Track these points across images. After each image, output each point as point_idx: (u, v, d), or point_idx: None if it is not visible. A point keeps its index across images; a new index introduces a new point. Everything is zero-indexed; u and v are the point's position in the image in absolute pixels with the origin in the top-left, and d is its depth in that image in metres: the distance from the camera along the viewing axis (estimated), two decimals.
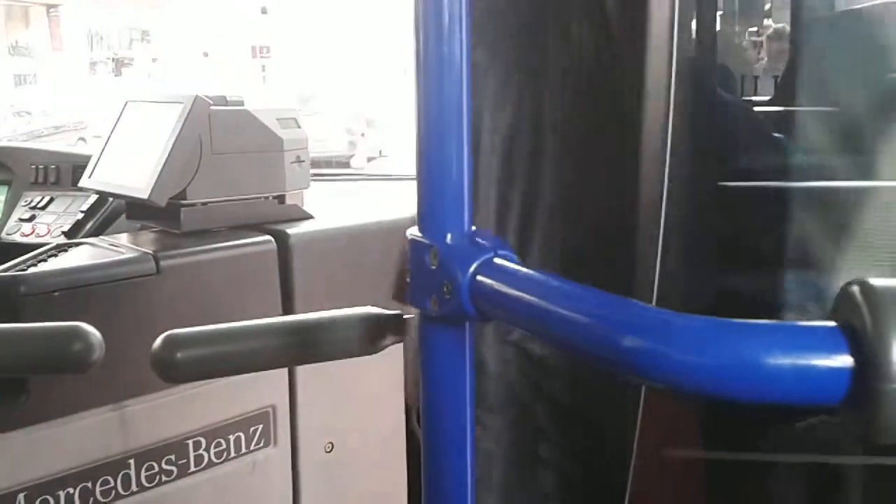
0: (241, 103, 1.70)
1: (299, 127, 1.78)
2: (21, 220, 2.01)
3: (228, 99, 1.67)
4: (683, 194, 0.54)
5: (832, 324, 0.36)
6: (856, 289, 0.36)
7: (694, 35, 0.56)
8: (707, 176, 0.58)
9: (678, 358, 0.37)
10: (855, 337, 0.35)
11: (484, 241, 0.55)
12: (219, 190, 1.63)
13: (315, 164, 1.92)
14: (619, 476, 0.57)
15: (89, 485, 1.44)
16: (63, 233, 1.85)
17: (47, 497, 1.40)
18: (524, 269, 0.51)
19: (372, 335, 0.86)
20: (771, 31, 0.94)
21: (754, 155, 0.63)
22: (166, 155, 1.54)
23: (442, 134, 0.55)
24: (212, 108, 1.61)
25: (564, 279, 0.47)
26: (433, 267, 0.55)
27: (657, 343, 0.38)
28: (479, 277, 0.52)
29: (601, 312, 0.42)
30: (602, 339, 0.40)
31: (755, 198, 0.62)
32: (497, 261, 0.53)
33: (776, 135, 0.65)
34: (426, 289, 0.56)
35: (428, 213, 0.57)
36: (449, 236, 0.56)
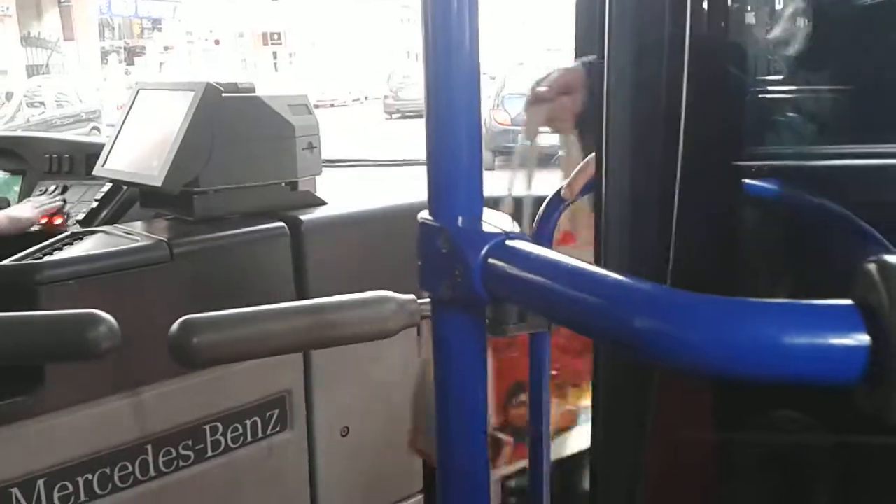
0: (252, 90, 1.70)
1: (311, 113, 1.78)
2: None
3: (239, 86, 1.68)
4: (698, 173, 0.53)
5: (849, 302, 0.36)
6: (873, 267, 0.36)
7: (707, 11, 0.55)
8: (722, 155, 0.57)
9: (693, 338, 0.37)
10: (872, 315, 0.35)
11: (495, 224, 0.55)
12: (231, 177, 1.63)
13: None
14: (634, 459, 0.57)
15: (107, 470, 1.46)
16: (78, 221, 1.86)
17: (66, 483, 1.41)
18: (535, 252, 0.51)
19: (386, 319, 0.86)
20: (786, 8, 0.93)
21: (769, 134, 0.62)
22: (178, 142, 1.55)
23: (451, 117, 0.55)
24: (223, 94, 1.61)
25: (576, 261, 0.47)
26: (444, 251, 0.55)
27: (671, 324, 0.38)
28: (490, 260, 0.52)
29: (614, 293, 0.41)
30: (615, 321, 0.40)
31: (770, 178, 0.62)
32: (508, 243, 0.52)
33: (791, 114, 0.65)
34: (438, 273, 0.56)
35: (438, 196, 0.57)
36: (460, 219, 0.56)
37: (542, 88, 1.13)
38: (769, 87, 0.67)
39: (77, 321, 0.97)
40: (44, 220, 1.88)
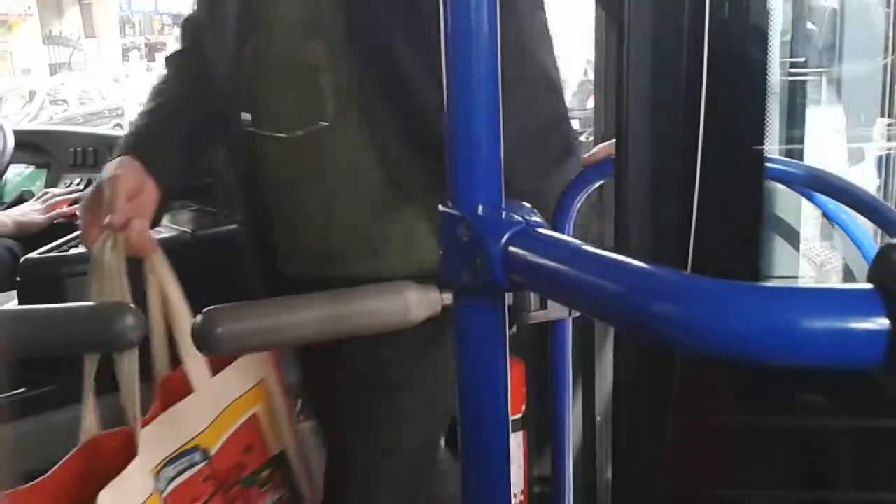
0: None
1: None
2: None
3: None
4: (718, 157, 0.53)
5: (869, 286, 0.36)
6: (893, 251, 0.36)
7: None
8: (743, 139, 0.57)
9: (713, 324, 0.37)
10: (892, 299, 0.35)
11: (515, 212, 0.55)
12: None
13: None
14: (656, 445, 0.57)
15: None
16: None
17: None
18: (557, 239, 0.51)
19: (407, 308, 0.87)
20: None
21: (787, 117, 0.62)
22: None
23: (471, 103, 0.55)
24: None
25: (598, 248, 0.47)
26: (465, 239, 0.56)
27: (691, 309, 0.38)
28: (511, 248, 0.52)
29: (635, 280, 0.41)
30: (636, 307, 0.40)
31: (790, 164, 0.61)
32: (529, 231, 0.52)
33: (810, 96, 0.64)
34: (459, 261, 0.56)
35: (458, 184, 0.57)
36: (480, 208, 0.56)
37: None
38: (791, 70, 0.67)
39: (103, 313, 0.98)
40: (69, 214, 1.90)
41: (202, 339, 0.86)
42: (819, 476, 0.59)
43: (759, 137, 0.59)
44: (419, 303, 0.87)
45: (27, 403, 1.37)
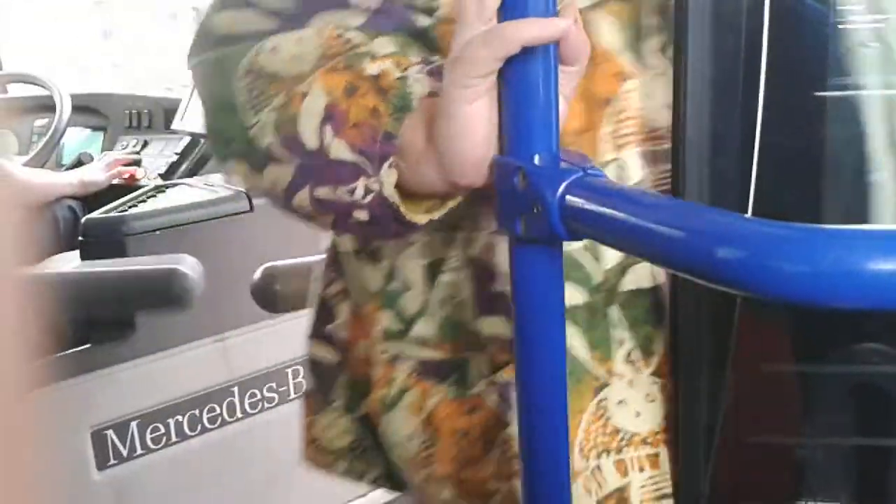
0: None
1: None
2: None
3: None
4: (780, 104, 0.52)
5: None
6: None
7: None
8: (804, 85, 0.56)
9: (778, 267, 0.37)
10: None
11: (572, 161, 0.55)
12: None
13: None
14: (716, 393, 0.57)
15: (197, 412, 1.53)
16: (159, 174, 1.92)
17: (158, 424, 1.49)
18: (614, 186, 0.51)
19: None
20: None
21: (849, 65, 0.60)
22: None
23: (528, 52, 0.54)
24: None
25: (656, 195, 0.47)
26: (521, 189, 0.56)
27: (755, 253, 0.38)
28: (568, 197, 0.52)
29: (697, 225, 0.41)
30: (699, 252, 0.40)
31: (852, 108, 0.60)
32: (587, 179, 0.52)
33: (871, 44, 0.62)
34: (515, 211, 0.56)
35: (514, 134, 0.57)
36: (537, 157, 0.56)
37: None
38: (853, 16, 0.65)
39: (163, 275, 1.01)
40: (126, 176, 1.95)
41: (261, 296, 0.88)
42: (880, 424, 0.59)
43: (821, 84, 0.58)
44: None
45: (92, 358, 1.42)
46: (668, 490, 0.63)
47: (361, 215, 0.63)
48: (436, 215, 0.63)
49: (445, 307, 0.69)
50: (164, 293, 1.02)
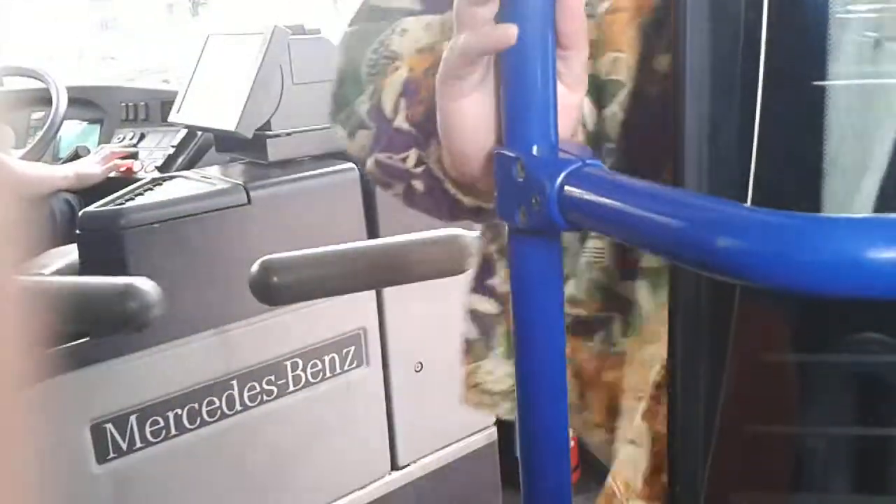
0: (319, 31, 1.70)
1: None
2: None
3: (306, 28, 1.68)
4: (779, 93, 0.52)
5: None
6: None
7: None
8: (803, 74, 0.55)
9: (778, 255, 0.37)
10: None
11: (571, 151, 0.55)
12: (302, 119, 1.65)
13: None
14: (714, 383, 0.57)
15: (196, 405, 1.53)
16: (156, 167, 1.91)
17: (157, 418, 1.49)
18: (613, 177, 0.51)
19: (457, 256, 0.87)
20: None
21: (849, 53, 0.60)
22: (250, 86, 1.57)
23: (525, 44, 0.54)
24: (291, 37, 1.62)
25: (655, 184, 0.47)
26: (520, 180, 0.56)
27: (755, 242, 0.38)
28: (567, 187, 0.52)
29: (696, 215, 0.41)
30: (699, 242, 0.40)
31: (851, 97, 0.60)
32: (585, 170, 0.52)
33: (871, 33, 0.62)
34: (514, 202, 0.56)
35: (512, 125, 0.57)
36: (535, 148, 0.56)
37: None
38: (851, 6, 0.65)
39: (115, 293, 0.97)
40: (123, 168, 1.94)
41: (259, 289, 0.88)
42: (879, 414, 0.59)
43: (820, 73, 0.57)
44: (467, 251, 0.88)
45: (91, 351, 1.42)
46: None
47: (418, 185, 0.71)
48: (488, 204, 0.68)
49: (592, 270, 0.73)
50: (117, 313, 0.98)
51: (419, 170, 0.69)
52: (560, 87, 0.57)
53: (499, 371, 0.86)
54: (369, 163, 0.74)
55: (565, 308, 0.71)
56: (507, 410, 0.87)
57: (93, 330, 1.25)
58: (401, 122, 0.69)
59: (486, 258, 0.86)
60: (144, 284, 0.95)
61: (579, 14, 0.55)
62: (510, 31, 0.54)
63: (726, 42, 0.55)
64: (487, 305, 0.86)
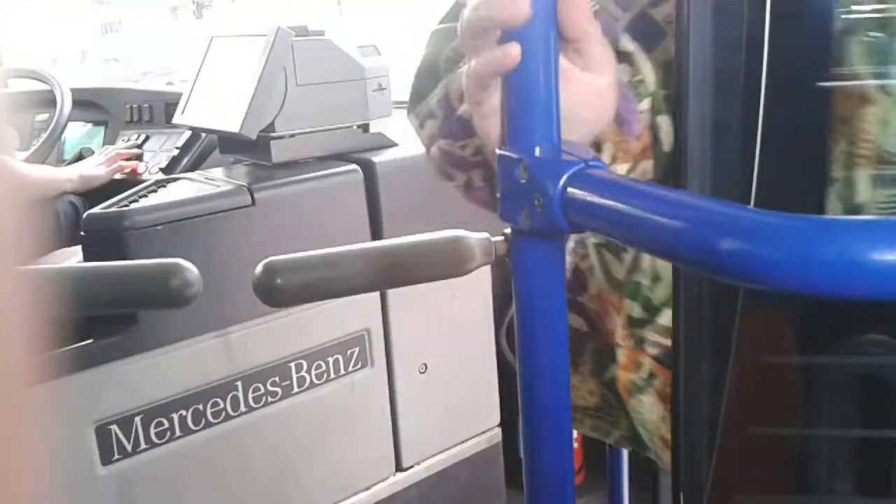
0: (322, 33, 1.70)
1: (380, 54, 1.78)
2: None
3: (310, 30, 1.68)
4: (783, 94, 0.52)
5: None
6: None
7: None
8: (806, 75, 0.55)
9: (780, 257, 0.37)
10: None
11: (573, 153, 0.55)
12: (305, 121, 1.65)
13: None
14: (716, 384, 0.57)
15: (200, 406, 1.53)
16: (160, 169, 1.91)
17: (162, 419, 1.49)
18: (615, 179, 0.51)
19: (460, 257, 0.87)
20: None
21: (853, 55, 0.60)
22: (254, 88, 1.57)
23: (527, 45, 0.54)
24: (294, 39, 1.62)
25: (657, 186, 0.47)
26: (523, 181, 0.56)
27: (757, 244, 0.38)
28: (570, 189, 0.52)
29: (699, 216, 0.41)
30: (702, 243, 0.40)
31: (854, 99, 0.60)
32: (588, 171, 0.52)
33: (875, 34, 0.62)
34: (517, 203, 0.56)
35: (515, 127, 0.57)
36: (538, 149, 0.56)
37: None
38: (855, 6, 0.65)
39: (161, 271, 1.00)
40: (127, 170, 1.94)
41: (263, 290, 0.88)
42: (882, 416, 0.59)
43: (823, 74, 0.57)
44: (472, 252, 0.87)
45: (95, 353, 1.42)
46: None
47: (477, 178, 0.73)
48: None
49: None
50: (161, 291, 1.01)
51: (477, 159, 0.72)
52: (586, 76, 0.57)
53: (583, 388, 0.85)
54: (433, 150, 0.77)
55: (658, 338, 0.72)
56: (591, 427, 0.87)
57: (141, 307, 1.28)
58: (464, 109, 0.71)
59: (578, 273, 0.84)
60: (185, 263, 0.98)
61: (580, 2, 0.55)
62: (513, 53, 0.54)
63: (730, 43, 0.55)
64: (576, 322, 0.84)
